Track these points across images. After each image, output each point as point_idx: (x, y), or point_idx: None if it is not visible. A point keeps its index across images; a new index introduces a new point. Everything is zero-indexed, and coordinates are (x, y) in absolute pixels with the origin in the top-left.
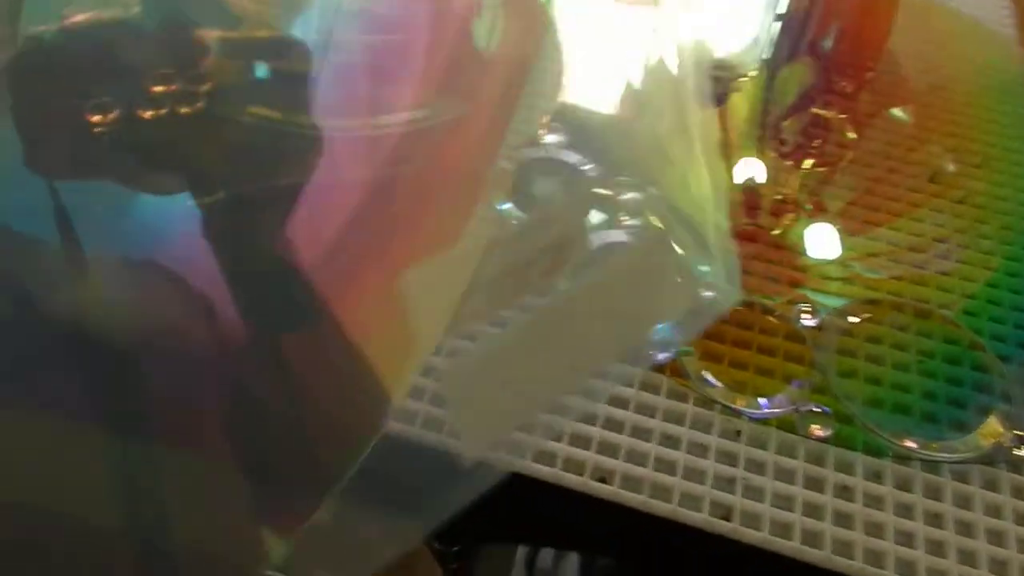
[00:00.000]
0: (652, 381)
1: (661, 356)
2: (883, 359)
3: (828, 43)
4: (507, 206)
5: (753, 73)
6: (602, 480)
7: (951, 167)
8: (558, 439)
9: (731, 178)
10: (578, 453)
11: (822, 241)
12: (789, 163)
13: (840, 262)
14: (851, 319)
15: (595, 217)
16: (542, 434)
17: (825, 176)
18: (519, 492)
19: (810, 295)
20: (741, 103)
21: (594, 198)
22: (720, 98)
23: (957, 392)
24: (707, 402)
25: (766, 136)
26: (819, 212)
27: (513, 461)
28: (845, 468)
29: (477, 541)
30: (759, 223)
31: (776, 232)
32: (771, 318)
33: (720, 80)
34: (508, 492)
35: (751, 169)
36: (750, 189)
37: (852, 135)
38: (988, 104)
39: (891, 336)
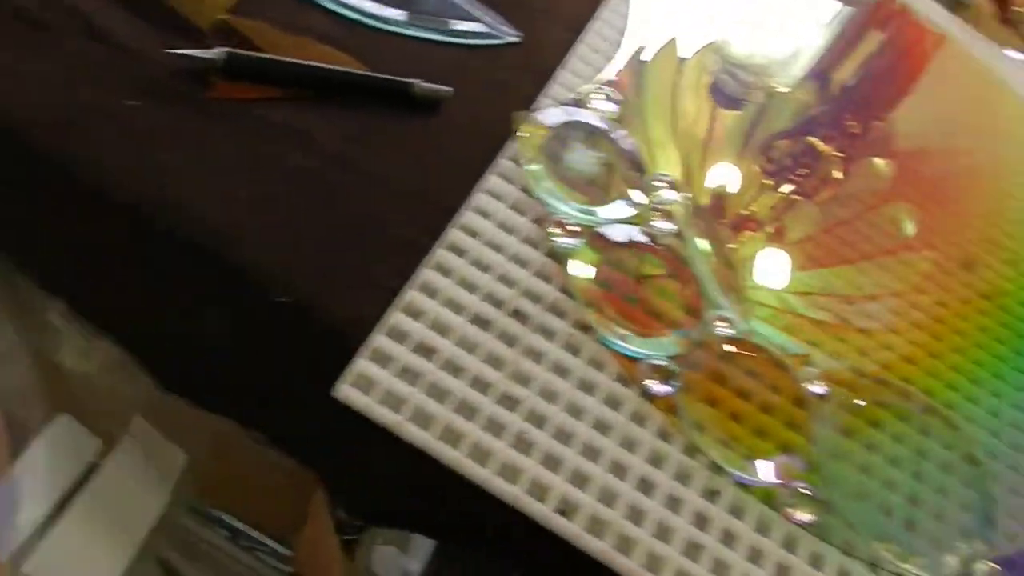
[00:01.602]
0: (643, 411)
1: (662, 388)
2: (879, 448)
3: (852, 81)
4: (534, 167)
5: (784, 89)
6: (563, 513)
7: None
8: (527, 451)
9: (703, 180)
10: (546, 476)
11: (771, 267)
12: (768, 182)
13: (779, 292)
14: (858, 402)
15: (621, 210)
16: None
17: (797, 205)
18: (466, 499)
19: (731, 315)
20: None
21: (623, 188)
22: (738, 103)
23: (942, 504)
24: (693, 450)
25: (750, 148)
26: (779, 238)
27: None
28: (815, 561)
29: (388, 523)
30: (717, 235)
31: (731, 246)
32: (780, 373)
33: (747, 85)
34: (457, 494)
35: (725, 176)
36: (719, 196)
37: (838, 174)
38: None
39: (893, 424)
